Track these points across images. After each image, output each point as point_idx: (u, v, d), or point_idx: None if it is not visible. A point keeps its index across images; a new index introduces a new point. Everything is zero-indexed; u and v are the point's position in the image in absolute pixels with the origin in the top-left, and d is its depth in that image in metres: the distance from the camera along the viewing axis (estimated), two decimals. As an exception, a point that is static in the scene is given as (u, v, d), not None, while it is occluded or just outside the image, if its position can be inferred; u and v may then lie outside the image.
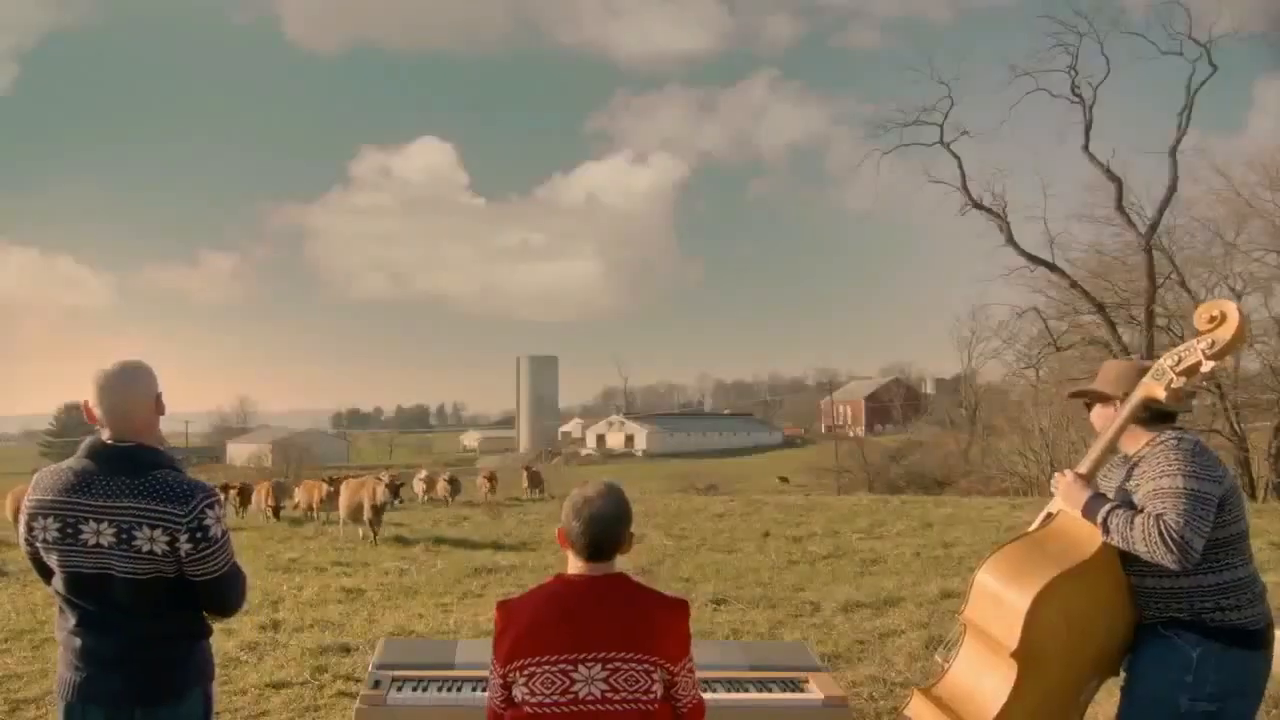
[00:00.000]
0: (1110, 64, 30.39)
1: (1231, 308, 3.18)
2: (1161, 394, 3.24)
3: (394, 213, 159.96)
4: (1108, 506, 3.20)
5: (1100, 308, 29.63)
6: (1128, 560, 3.24)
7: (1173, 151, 29.28)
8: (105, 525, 2.76)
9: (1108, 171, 29.74)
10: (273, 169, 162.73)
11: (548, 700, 2.66)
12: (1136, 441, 3.32)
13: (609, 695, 2.65)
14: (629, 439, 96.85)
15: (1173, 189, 29.21)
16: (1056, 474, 3.48)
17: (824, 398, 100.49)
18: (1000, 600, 3.27)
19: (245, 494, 21.63)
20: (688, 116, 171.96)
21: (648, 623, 2.71)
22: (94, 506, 2.78)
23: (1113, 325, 29.46)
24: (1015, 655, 3.17)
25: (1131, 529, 3.10)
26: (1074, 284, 30.32)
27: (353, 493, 16.13)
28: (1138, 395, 3.29)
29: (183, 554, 2.78)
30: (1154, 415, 3.31)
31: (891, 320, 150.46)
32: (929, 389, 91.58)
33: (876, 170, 34.60)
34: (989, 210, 31.42)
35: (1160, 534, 3.02)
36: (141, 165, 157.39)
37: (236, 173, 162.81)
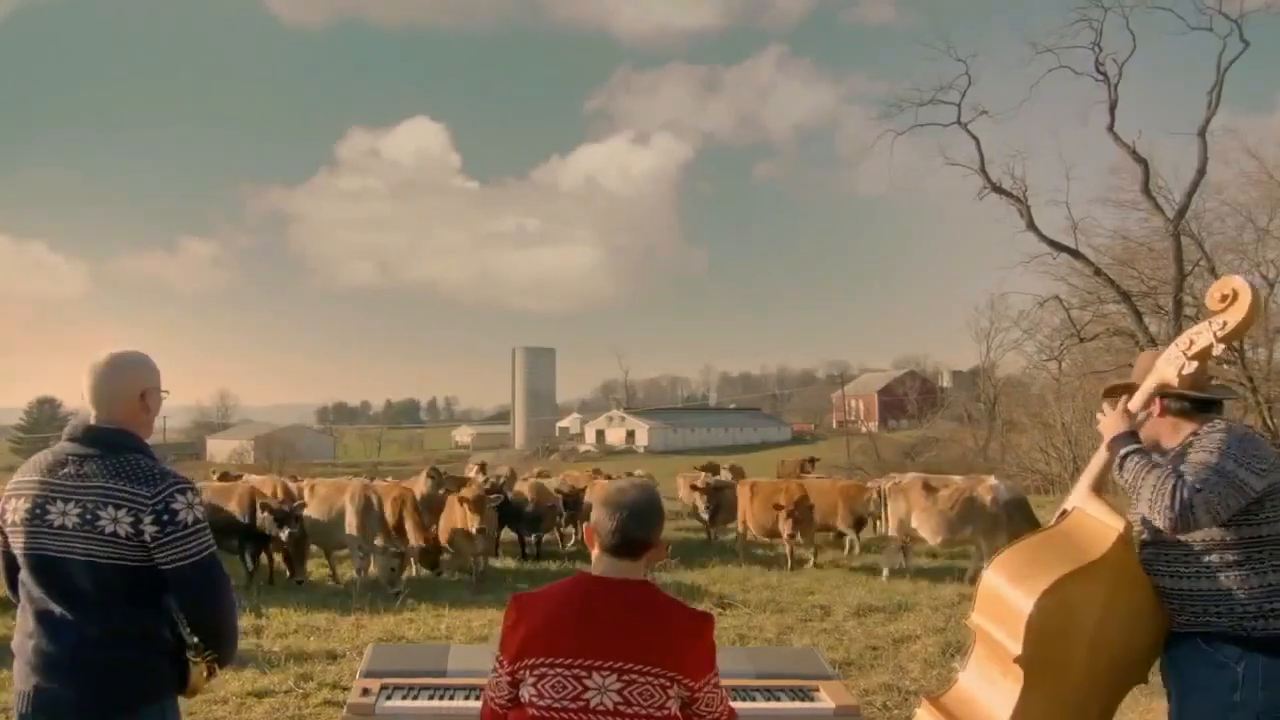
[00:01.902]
0: (1136, 40, 30.13)
1: (1244, 285, 3.17)
2: (1174, 379, 3.25)
3: (383, 197, 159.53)
4: (1135, 446, 3.21)
5: (1126, 296, 29.55)
6: (1156, 562, 3.23)
7: (1202, 132, 29.15)
8: (72, 505, 2.82)
9: (1133, 153, 29.64)
10: (255, 151, 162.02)
11: (557, 704, 2.66)
12: (1179, 433, 3.30)
13: (621, 708, 2.64)
14: (630, 435, 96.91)
15: (1202, 171, 29.09)
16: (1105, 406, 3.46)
17: (835, 391, 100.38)
18: (1004, 602, 3.25)
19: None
20: (691, 96, 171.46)
21: (667, 636, 2.70)
22: (63, 487, 2.85)
23: (1139, 315, 29.40)
24: (1019, 662, 3.14)
25: (1147, 474, 3.10)
26: (1098, 271, 30.24)
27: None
28: (1151, 381, 3.32)
29: (148, 537, 2.79)
30: (1197, 405, 3.29)
31: (906, 310, 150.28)
32: (945, 382, 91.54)
33: (890, 152, 34.42)
34: (1008, 194, 31.29)
35: (1172, 489, 3.01)
36: (117, 147, 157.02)
37: (217, 155, 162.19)
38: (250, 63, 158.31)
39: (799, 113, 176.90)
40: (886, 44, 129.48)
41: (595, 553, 2.83)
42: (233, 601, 3.00)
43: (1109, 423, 3.35)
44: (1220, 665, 3.09)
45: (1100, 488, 3.40)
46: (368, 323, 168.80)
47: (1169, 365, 3.27)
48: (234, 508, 11.52)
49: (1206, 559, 3.13)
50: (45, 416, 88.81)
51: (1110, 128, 30.19)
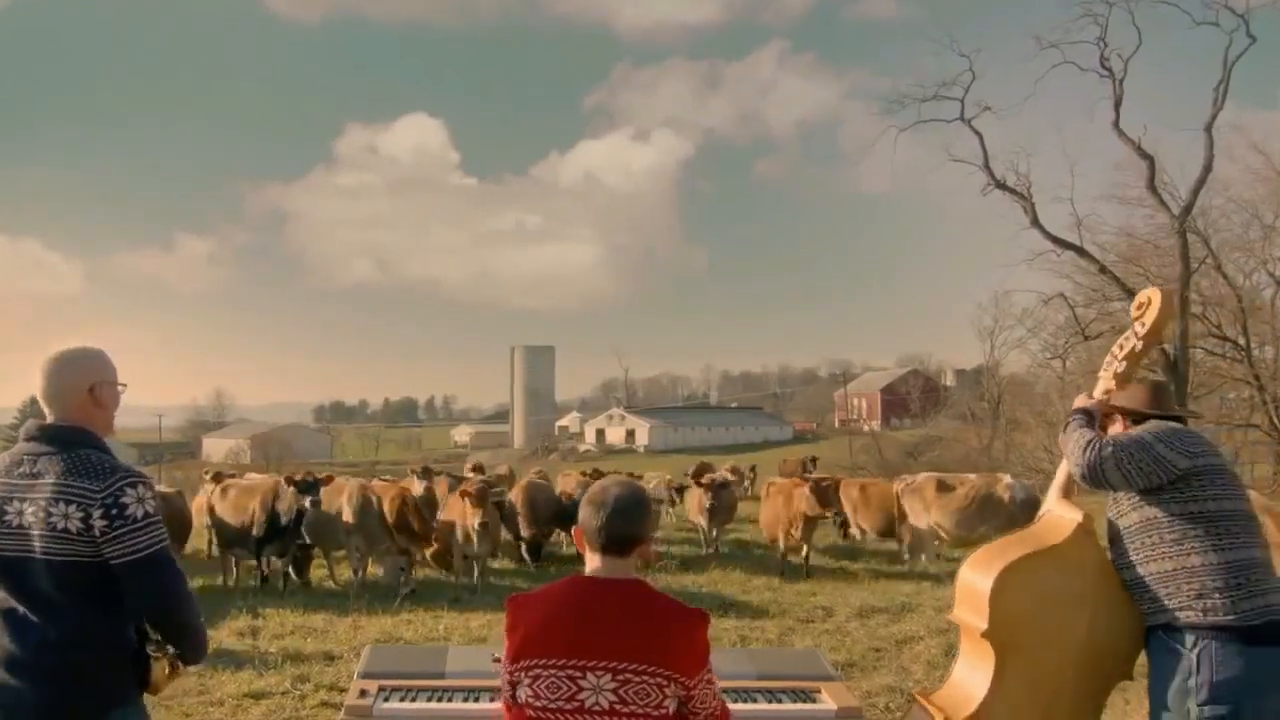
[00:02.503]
0: (1142, 35, 30.14)
1: (1156, 293, 3.72)
2: (1112, 383, 3.69)
3: (381, 194, 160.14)
4: (1085, 418, 3.54)
5: (1131, 294, 29.43)
6: (1118, 557, 3.43)
7: (1208, 128, 29.17)
8: (27, 504, 2.82)
9: (1139, 149, 29.65)
10: (252, 148, 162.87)
11: (552, 705, 2.68)
12: None
13: (617, 707, 2.66)
14: (630, 434, 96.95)
15: (1208, 168, 29.11)
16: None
17: (837, 390, 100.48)
18: (975, 588, 3.47)
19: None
20: (692, 91, 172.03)
21: (663, 634, 2.72)
22: (19, 486, 2.84)
23: (1144, 312, 29.38)
24: (987, 636, 3.35)
25: (1073, 431, 3.48)
26: (1103, 269, 30.27)
27: None
28: (1098, 389, 3.71)
29: (97, 532, 2.78)
30: (1161, 420, 3.51)
31: (909, 308, 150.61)
32: (949, 381, 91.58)
33: (893, 149, 34.71)
34: (1013, 191, 31.33)
35: (1088, 443, 3.37)
36: (113, 144, 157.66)
37: (214, 152, 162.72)
38: (247, 59, 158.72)
39: (801, 109, 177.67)
40: (889, 39, 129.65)
41: (587, 554, 2.85)
42: (190, 597, 2.96)
43: (1077, 401, 3.70)
44: (1175, 651, 3.25)
45: (1069, 493, 3.67)
46: (366, 321, 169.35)
47: (1106, 369, 3.74)
48: (256, 507, 11.23)
49: (1149, 538, 3.33)
50: (38, 415, 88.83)
51: (1115, 124, 30.22)
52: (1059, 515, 3.58)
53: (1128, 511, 3.39)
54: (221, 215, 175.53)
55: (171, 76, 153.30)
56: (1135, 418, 3.56)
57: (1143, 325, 3.69)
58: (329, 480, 11.43)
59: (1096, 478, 3.33)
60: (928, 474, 13.53)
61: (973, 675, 3.47)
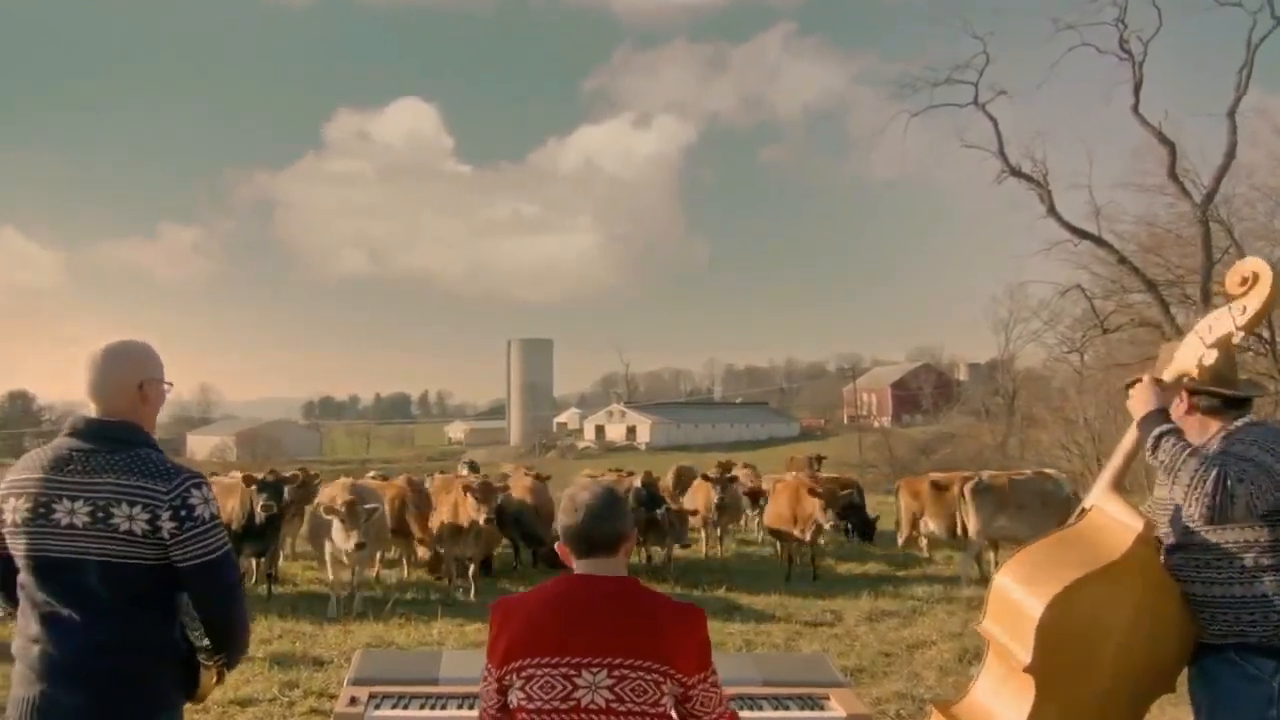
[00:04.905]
0: (1162, 16, 30.03)
1: (1265, 267, 3.13)
2: (1194, 368, 3.21)
3: (372, 181, 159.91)
4: (1168, 426, 3.14)
5: (1151, 285, 29.51)
6: (1185, 568, 3.18)
7: (1231, 113, 29.07)
8: (80, 504, 2.80)
9: (1159, 135, 29.57)
10: (239, 134, 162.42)
11: (547, 706, 2.69)
12: (1204, 431, 3.24)
13: (614, 705, 2.68)
14: (631, 430, 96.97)
15: (1231, 154, 29.01)
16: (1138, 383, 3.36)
17: (846, 385, 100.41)
18: (1016, 607, 3.21)
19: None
20: (695, 75, 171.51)
21: (658, 631, 2.74)
22: (69, 484, 2.83)
23: (1165, 305, 29.35)
24: (1029, 671, 3.10)
25: (1188, 458, 3.03)
26: (1122, 259, 30.20)
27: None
28: (1171, 370, 3.28)
29: (166, 534, 2.79)
30: (1226, 403, 3.23)
31: (921, 300, 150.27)
32: (962, 375, 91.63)
33: (904, 134, 34.26)
34: (1028, 178, 31.25)
35: (1215, 477, 2.94)
36: (95, 130, 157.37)
37: (199, 138, 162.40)
38: (234, 41, 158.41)
39: (808, 93, 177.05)
40: (900, 21, 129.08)
41: (574, 563, 2.87)
42: (245, 602, 3.01)
43: (1138, 398, 3.29)
44: (1254, 679, 3.06)
45: (1120, 485, 3.36)
46: (356, 313, 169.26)
47: (1188, 353, 3.24)
48: (236, 505, 11.03)
49: (1240, 562, 3.07)
50: (16, 411, 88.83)
51: (1135, 108, 30.13)
52: (1113, 519, 3.25)
53: (1219, 528, 3.09)
54: (207, 204, 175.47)
55: (156, 60, 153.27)
56: (1202, 396, 3.24)
57: (1244, 310, 3.13)
58: (296, 478, 11.37)
59: (1225, 516, 2.97)
60: (994, 472, 13.11)
61: (1000, 700, 3.27)
